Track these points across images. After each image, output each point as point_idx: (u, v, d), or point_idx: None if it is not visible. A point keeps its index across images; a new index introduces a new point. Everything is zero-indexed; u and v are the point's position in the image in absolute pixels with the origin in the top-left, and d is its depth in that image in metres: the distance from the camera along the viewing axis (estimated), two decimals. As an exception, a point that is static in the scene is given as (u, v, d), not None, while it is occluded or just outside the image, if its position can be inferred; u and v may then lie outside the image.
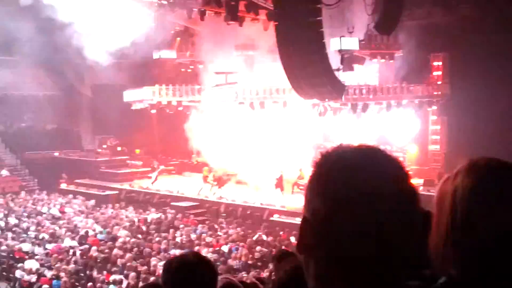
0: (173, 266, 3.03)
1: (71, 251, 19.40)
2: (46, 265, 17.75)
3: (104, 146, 36.87)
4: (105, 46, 28.69)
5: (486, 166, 1.48)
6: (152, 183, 31.65)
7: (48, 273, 16.74)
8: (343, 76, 25.22)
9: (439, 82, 29.87)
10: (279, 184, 28.05)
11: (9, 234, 21.70)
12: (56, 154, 36.89)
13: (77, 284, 16.08)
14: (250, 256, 18.75)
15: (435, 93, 29.63)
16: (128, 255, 18.19)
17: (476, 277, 1.41)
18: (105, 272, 16.67)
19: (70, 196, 29.61)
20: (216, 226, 24.00)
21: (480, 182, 1.44)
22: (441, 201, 1.51)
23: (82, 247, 19.79)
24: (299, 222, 1.35)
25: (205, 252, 18.79)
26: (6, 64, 35.21)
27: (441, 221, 1.48)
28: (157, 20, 29.78)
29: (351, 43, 26.14)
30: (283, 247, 17.46)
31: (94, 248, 19.31)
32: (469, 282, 1.43)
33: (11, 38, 31.79)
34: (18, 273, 17.17)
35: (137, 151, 37.57)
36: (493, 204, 1.41)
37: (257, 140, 31.92)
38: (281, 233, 22.41)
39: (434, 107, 29.80)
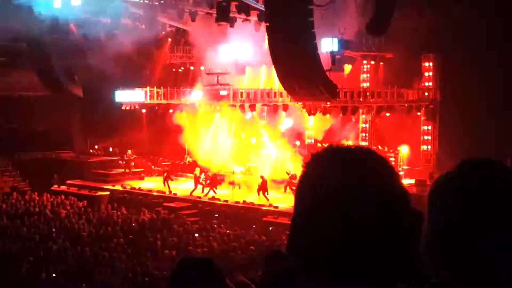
0: (180, 267, 3.10)
1: (63, 252, 19.32)
2: (38, 266, 17.66)
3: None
4: (97, 47, 28.61)
5: (478, 167, 1.49)
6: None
7: (41, 274, 16.67)
8: (333, 78, 25.27)
9: (429, 86, 29.94)
10: (262, 188, 27.93)
11: (1, 236, 21.60)
12: (48, 155, 36.72)
13: (70, 285, 16.01)
14: (243, 256, 18.74)
15: (426, 94, 29.73)
16: (120, 255, 18.14)
17: (467, 278, 1.42)
18: (97, 273, 16.62)
19: (62, 197, 29.46)
20: (208, 227, 23.97)
21: (472, 184, 1.45)
22: (433, 200, 1.51)
23: (74, 248, 19.71)
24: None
25: (198, 252, 18.77)
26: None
27: (432, 221, 1.49)
28: (148, 20, 29.75)
29: (342, 44, 26.23)
30: (275, 248, 17.49)
31: (86, 249, 19.24)
32: (460, 283, 1.43)
33: (2, 39, 31.61)
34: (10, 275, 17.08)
35: (129, 151, 37.48)
36: (484, 205, 1.42)
37: (247, 140, 31.95)
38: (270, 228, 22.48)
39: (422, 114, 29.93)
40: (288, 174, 28.61)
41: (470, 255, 1.41)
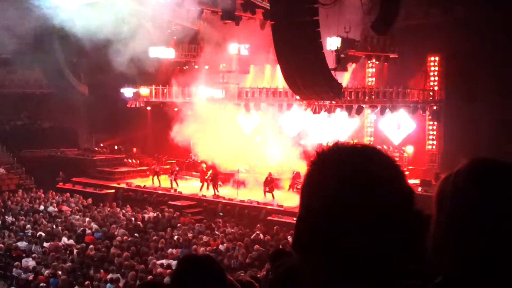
0: (183, 264, 3.13)
1: (68, 250, 19.39)
2: (43, 263, 17.74)
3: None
4: (102, 44, 28.62)
5: (488, 166, 1.48)
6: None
7: (45, 271, 16.73)
8: (338, 77, 25.24)
9: (435, 88, 29.91)
10: (268, 185, 27.92)
11: (6, 232, 21.69)
12: (53, 152, 36.82)
13: (74, 282, 16.07)
14: (248, 255, 18.75)
15: (430, 98, 29.72)
16: (125, 253, 18.19)
17: (473, 278, 1.42)
18: (102, 271, 16.67)
19: (67, 194, 29.55)
20: (213, 225, 23.98)
21: (482, 183, 1.45)
22: (440, 199, 1.51)
23: (79, 246, 19.78)
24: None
25: (202, 251, 18.80)
26: (3, 62, 35.14)
27: (440, 220, 1.49)
28: (154, 18, 29.77)
29: (347, 43, 26.19)
30: (280, 247, 17.50)
31: (91, 246, 19.30)
32: (466, 282, 1.43)
33: (8, 36, 31.71)
34: (15, 271, 17.16)
35: (134, 149, 37.55)
36: (494, 205, 1.42)
37: (252, 139, 31.93)
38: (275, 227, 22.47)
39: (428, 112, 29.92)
40: (293, 173, 28.65)
41: (475, 254, 1.41)
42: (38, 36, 31.68)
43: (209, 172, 30.04)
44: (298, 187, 27.15)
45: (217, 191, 29.17)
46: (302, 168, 28.62)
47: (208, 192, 29.36)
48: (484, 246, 1.40)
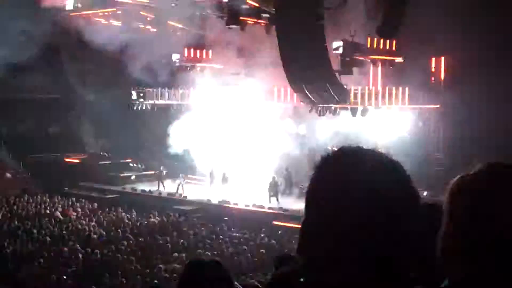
0: (190, 269, 3.14)
1: (73, 254, 19.39)
2: (48, 267, 17.73)
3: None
4: (108, 50, 28.72)
5: (506, 171, 1.48)
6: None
7: (50, 276, 16.74)
8: (343, 80, 25.23)
9: (440, 91, 29.88)
10: (272, 189, 27.98)
11: (12, 237, 21.72)
12: (59, 157, 36.89)
13: (79, 287, 16.07)
14: (253, 260, 18.73)
15: (434, 101, 29.69)
16: (130, 258, 18.19)
17: (481, 280, 1.41)
18: (107, 275, 16.67)
19: (73, 199, 29.60)
20: (218, 230, 23.96)
21: (499, 187, 1.44)
22: (454, 200, 1.50)
23: (84, 250, 19.79)
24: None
25: (207, 256, 18.76)
26: (10, 67, 35.25)
27: (451, 220, 1.48)
28: (160, 23, 29.89)
29: (352, 47, 26.18)
30: (285, 251, 17.47)
31: (96, 251, 19.31)
32: (473, 285, 1.42)
33: (16, 42, 31.85)
34: (20, 276, 17.17)
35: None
36: (507, 208, 1.41)
37: (252, 142, 31.92)
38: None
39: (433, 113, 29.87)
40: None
41: (486, 257, 1.40)
42: (46, 42, 31.79)
43: (213, 176, 30.14)
44: (303, 191, 27.09)
45: (222, 195, 29.19)
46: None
47: (213, 197, 29.37)
48: (494, 250, 1.39)
